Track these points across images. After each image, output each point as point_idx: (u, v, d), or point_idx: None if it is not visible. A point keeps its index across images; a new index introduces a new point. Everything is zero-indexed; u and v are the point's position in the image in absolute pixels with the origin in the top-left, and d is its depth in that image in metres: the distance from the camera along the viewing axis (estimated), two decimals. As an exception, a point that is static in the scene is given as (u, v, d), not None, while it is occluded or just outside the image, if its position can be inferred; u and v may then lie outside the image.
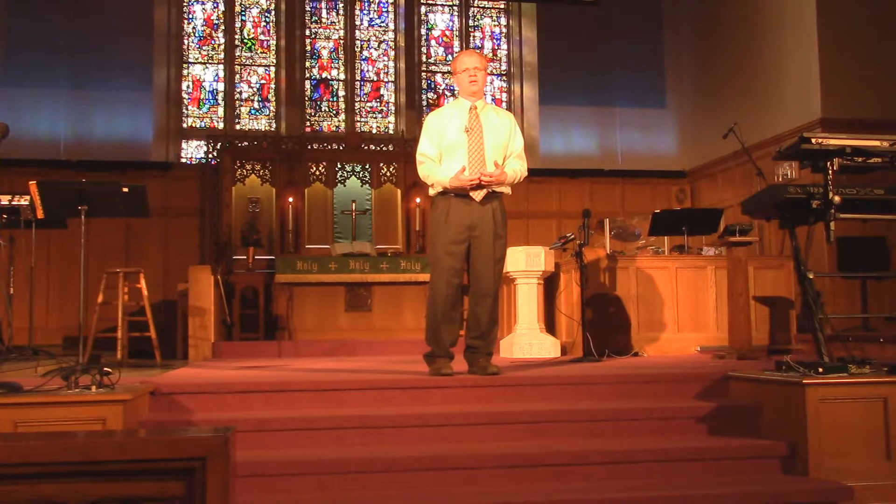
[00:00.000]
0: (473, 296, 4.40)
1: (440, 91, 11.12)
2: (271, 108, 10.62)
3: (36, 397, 3.25)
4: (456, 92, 4.64)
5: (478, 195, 4.31)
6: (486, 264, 4.33)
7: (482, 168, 4.29)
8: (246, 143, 9.59)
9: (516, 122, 4.59)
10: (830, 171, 3.73)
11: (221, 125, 10.37)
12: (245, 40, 10.67)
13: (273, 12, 10.75)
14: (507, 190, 4.44)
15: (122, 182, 4.52)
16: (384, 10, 11.08)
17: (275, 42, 10.71)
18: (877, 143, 3.80)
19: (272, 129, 10.48)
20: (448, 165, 4.35)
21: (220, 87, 10.50)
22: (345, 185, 9.65)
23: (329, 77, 10.83)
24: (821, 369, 3.56)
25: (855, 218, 3.95)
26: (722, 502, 3.21)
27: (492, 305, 4.36)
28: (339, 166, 9.65)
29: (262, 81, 10.63)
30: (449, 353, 4.34)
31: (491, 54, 11.30)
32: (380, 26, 11.06)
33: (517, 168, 4.41)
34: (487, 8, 11.41)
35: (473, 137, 4.33)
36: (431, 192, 4.48)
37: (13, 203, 6.00)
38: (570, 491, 3.23)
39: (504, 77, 11.32)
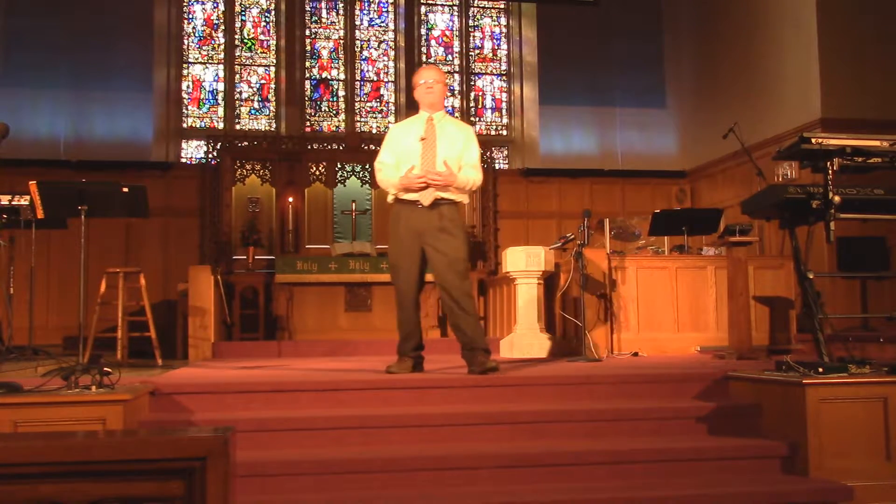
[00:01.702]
0: (444, 303, 4.49)
1: (440, 91, 11.11)
2: (271, 108, 10.62)
3: (36, 397, 3.24)
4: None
5: (426, 199, 4.38)
6: (442, 267, 4.39)
7: None
8: (246, 143, 9.59)
9: (474, 135, 4.70)
10: (830, 171, 3.73)
11: (221, 125, 10.37)
12: (245, 40, 10.66)
13: (273, 12, 10.75)
14: (462, 198, 4.52)
15: (122, 182, 4.52)
16: (384, 10, 11.08)
17: (275, 42, 10.71)
18: (877, 143, 3.80)
19: (272, 129, 10.47)
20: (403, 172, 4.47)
21: (220, 87, 10.50)
22: (345, 185, 9.65)
23: (329, 77, 10.83)
24: (821, 369, 3.55)
25: (855, 218, 3.95)
26: (722, 502, 3.21)
27: (464, 308, 4.37)
28: (339, 166, 9.65)
29: (262, 81, 10.63)
30: (410, 355, 4.48)
31: (491, 54, 11.30)
32: (380, 26, 11.05)
33: (471, 176, 4.50)
34: (487, 8, 11.40)
35: (427, 145, 4.47)
36: (389, 199, 4.59)
37: (13, 203, 5.99)
38: (570, 491, 3.23)
39: (504, 77, 11.32)
